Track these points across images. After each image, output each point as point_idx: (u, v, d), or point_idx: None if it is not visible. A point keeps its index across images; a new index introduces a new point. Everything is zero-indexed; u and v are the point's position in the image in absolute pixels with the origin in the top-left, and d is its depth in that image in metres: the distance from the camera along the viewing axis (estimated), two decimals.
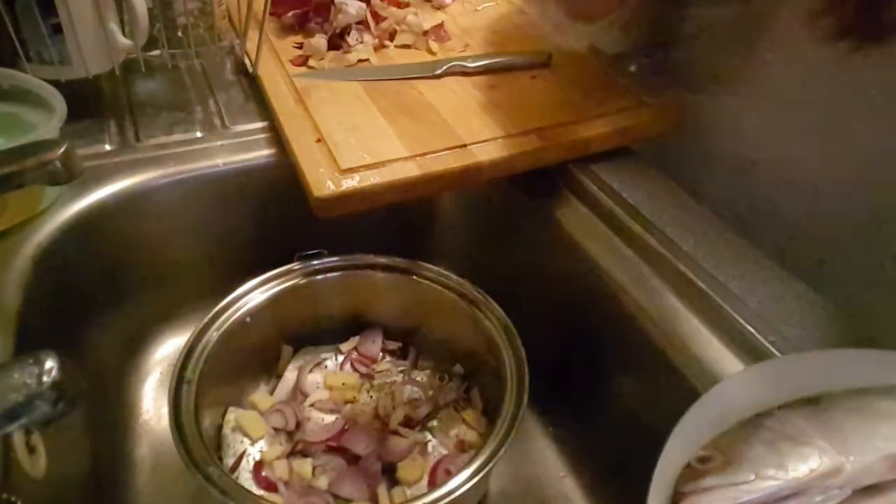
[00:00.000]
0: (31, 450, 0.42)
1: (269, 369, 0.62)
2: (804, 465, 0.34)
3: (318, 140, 0.58)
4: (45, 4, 0.57)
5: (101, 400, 0.58)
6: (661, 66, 0.57)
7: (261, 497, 0.47)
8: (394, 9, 0.75)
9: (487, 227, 0.70)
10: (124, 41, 0.63)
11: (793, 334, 0.46)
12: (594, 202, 0.58)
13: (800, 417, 0.36)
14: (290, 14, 0.75)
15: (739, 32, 0.58)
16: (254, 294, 0.57)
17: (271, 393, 0.60)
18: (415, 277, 0.59)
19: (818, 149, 0.56)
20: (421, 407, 0.58)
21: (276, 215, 0.66)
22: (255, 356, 0.59)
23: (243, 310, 0.56)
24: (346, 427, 0.56)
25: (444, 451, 0.55)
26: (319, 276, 0.59)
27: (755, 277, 0.50)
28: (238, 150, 0.63)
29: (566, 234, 0.58)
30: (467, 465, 0.45)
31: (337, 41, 0.71)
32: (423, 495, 0.44)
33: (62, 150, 0.39)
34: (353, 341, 0.63)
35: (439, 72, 0.68)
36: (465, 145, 0.58)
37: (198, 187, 0.62)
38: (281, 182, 0.62)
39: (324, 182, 0.53)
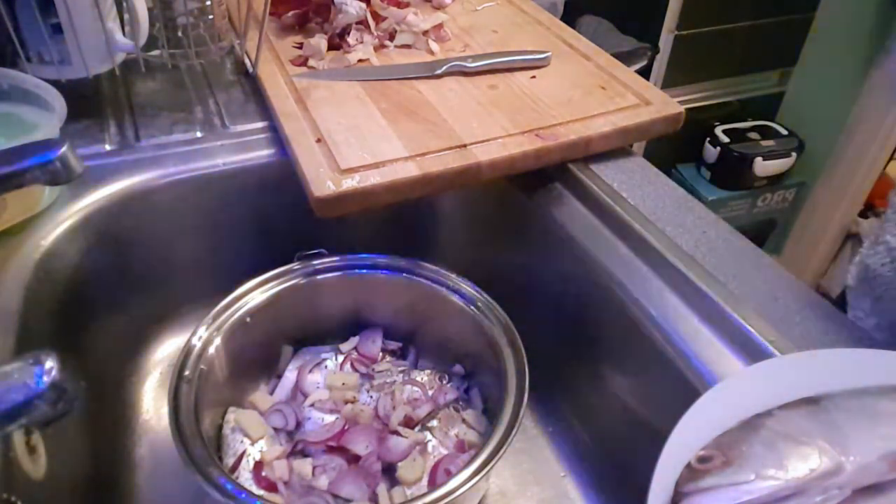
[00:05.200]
0: (31, 450, 0.42)
1: (269, 369, 0.62)
2: (804, 465, 0.34)
3: (318, 140, 0.58)
4: (45, 4, 0.57)
5: (101, 400, 0.58)
6: None
7: (261, 497, 0.47)
8: (394, 9, 0.75)
9: (487, 227, 0.70)
10: (124, 41, 0.63)
11: (793, 334, 0.46)
12: (594, 202, 0.58)
13: (800, 417, 0.36)
14: (290, 14, 0.75)
15: None
16: (254, 294, 0.57)
17: (271, 393, 0.60)
18: (415, 277, 0.59)
19: None
20: (421, 407, 0.57)
21: (276, 215, 0.66)
22: (255, 356, 0.59)
23: (243, 310, 0.56)
24: (346, 427, 0.55)
25: (444, 451, 0.55)
26: (319, 276, 0.59)
27: (755, 277, 0.50)
28: (238, 150, 0.63)
29: (566, 234, 0.58)
30: (467, 465, 0.45)
31: (337, 41, 0.71)
32: (423, 495, 0.44)
33: (62, 150, 0.39)
34: (353, 341, 0.63)
35: (439, 72, 0.68)
36: (465, 145, 0.58)
37: (198, 187, 0.62)
38: (281, 182, 0.62)
39: (324, 182, 0.53)
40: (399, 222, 0.71)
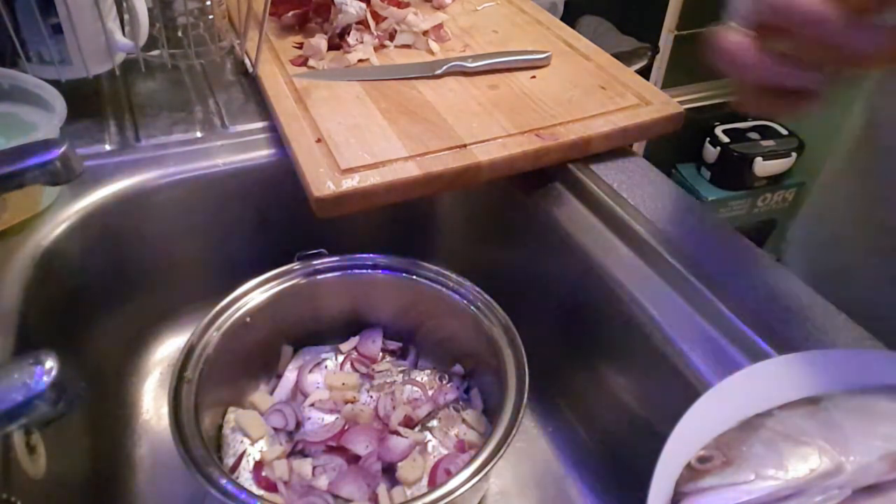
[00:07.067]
0: (31, 450, 0.42)
1: (269, 369, 0.62)
2: (804, 465, 0.34)
3: (318, 140, 0.58)
4: (45, 4, 0.57)
5: (101, 400, 0.58)
6: None
7: (261, 497, 0.47)
8: (394, 9, 0.75)
9: (487, 227, 0.70)
10: (124, 41, 0.63)
11: (793, 334, 0.46)
12: (594, 202, 0.58)
13: (800, 417, 0.36)
14: (290, 14, 0.75)
15: None
16: (254, 294, 0.57)
17: (271, 393, 0.60)
18: (415, 277, 0.59)
19: None
20: (421, 407, 0.57)
21: (276, 215, 0.66)
22: (255, 356, 0.59)
23: (243, 310, 0.56)
24: (346, 427, 0.55)
25: (444, 451, 0.55)
26: (319, 276, 0.59)
27: (755, 277, 0.50)
28: (238, 150, 0.63)
29: (566, 234, 0.58)
30: (467, 465, 0.45)
31: (337, 41, 0.71)
32: (423, 495, 0.44)
33: (62, 150, 0.39)
34: (353, 341, 0.63)
35: (439, 72, 0.68)
36: (465, 145, 0.58)
37: (198, 187, 0.62)
38: (281, 182, 0.62)
39: (324, 182, 0.53)
40: (399, 222, 0.71)
